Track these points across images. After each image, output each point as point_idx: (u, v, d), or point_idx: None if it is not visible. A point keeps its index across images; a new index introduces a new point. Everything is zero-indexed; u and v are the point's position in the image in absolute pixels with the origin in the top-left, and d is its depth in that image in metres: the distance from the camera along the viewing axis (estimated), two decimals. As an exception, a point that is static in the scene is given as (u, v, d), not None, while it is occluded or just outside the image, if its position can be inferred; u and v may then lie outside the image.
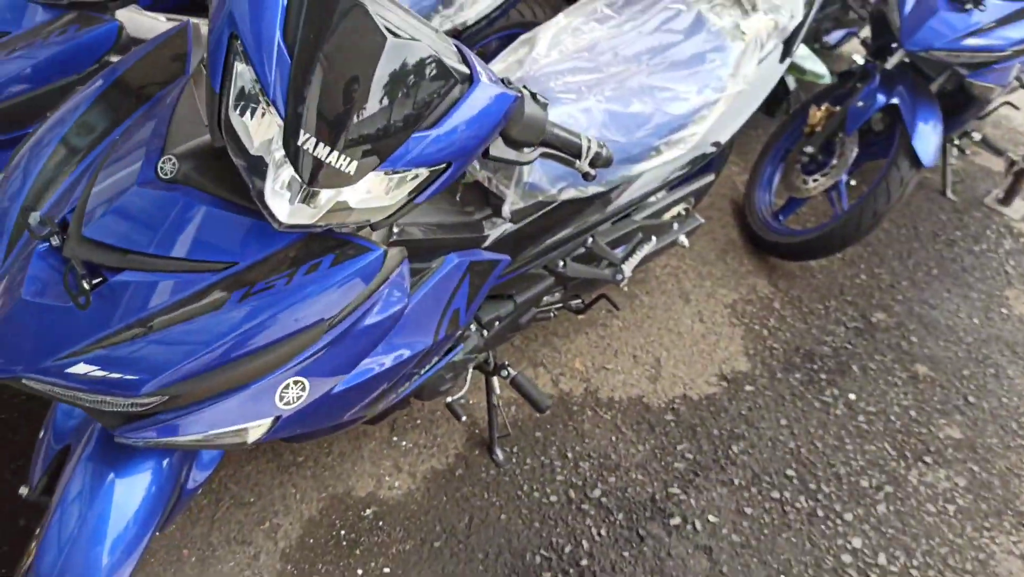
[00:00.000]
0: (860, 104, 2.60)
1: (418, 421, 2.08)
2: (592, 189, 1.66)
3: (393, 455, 2.00)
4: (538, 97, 1.16)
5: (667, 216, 2.22)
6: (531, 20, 2.45)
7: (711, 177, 2.28)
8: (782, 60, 1.92)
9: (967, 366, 2.60)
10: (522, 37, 1.80)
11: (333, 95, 0.86)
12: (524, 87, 1.16)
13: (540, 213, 1.62)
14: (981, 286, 2.95)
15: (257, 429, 1.13)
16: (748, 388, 2.39)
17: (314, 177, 0.88)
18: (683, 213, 2.30)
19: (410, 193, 1.01)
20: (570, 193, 1.60)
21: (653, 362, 2.41)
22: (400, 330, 1.33)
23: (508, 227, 1.58)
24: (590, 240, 1.87)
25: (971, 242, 3.17)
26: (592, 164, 1.28)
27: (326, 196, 0.91)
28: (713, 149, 1.94)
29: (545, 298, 1.97)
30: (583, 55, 1.67)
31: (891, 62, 2.54)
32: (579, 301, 2.21)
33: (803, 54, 2.02)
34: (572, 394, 2.26)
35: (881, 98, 2.57)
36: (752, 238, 2.90)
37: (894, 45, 2.54)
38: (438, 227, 1.41)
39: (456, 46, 1.05)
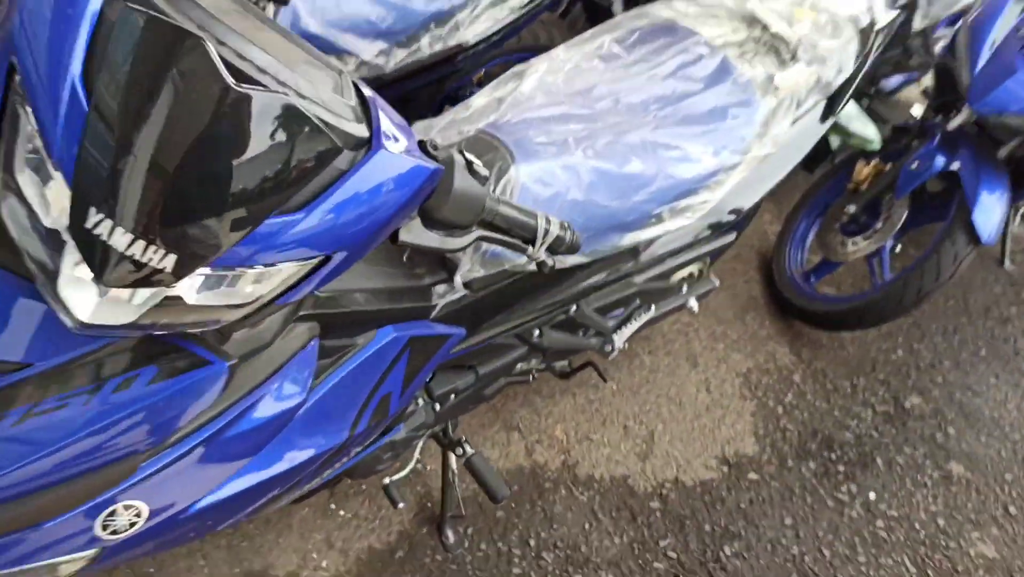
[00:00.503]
0: (915, 166, 2.28)
1: (363, 486, 1.84)
2: (572, 260, 1.39)
3: (327, 527, 1.76)
4: (476, 167, 0.90)
5: (676, 277, 1.95)
6: (546, 44, 2.17)
7: (732, 237, 1.99)
8: (823, 120, 1.63)
9: (1010, 468, 2.28)
10: (515, 69, 1.54)
11: (144, 161, 0.61)
12: (461, 151, 0.91)
13: (506, 282, 1.37)
14: (1035, 374, 2.62)
15: (73, 563, 0.91)
16: (752, 476, 2.10)
17: (107, 271, 0.64)
18: (695, 275, 2.02)
19: (272, 291, 0.77)
20: (543, 263, 1.34)
21: (646, 436, 2.14)
22: (299, 427, 1.09)
23: (464, 293, 1.32)
24: (574, 309, 1.61)
25: (1027, 321, 2.83)
26: (552, 251, 1.02)
27: (148, 290, 0.68)
28: (732, 217, 1.66)
29: (520, 364, 1.72)
30: (577, 100, 1.40)
31: (954, 122, 2.22)
32: (564, 363, 1.95)
33: (850, 112, 1.72)
34: (547, 468, 2.00)
35: (940, 161, 2.25)
36: (777, 298, 2.60)
37: (960, 104, 2.21)
38: (374, 294, 1.16)
39: (361, 96, 0.80)
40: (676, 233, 1.53)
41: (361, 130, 0.74)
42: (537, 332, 1.59)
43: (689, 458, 2.11)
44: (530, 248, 1.00)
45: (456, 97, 2.27)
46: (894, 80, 2.95)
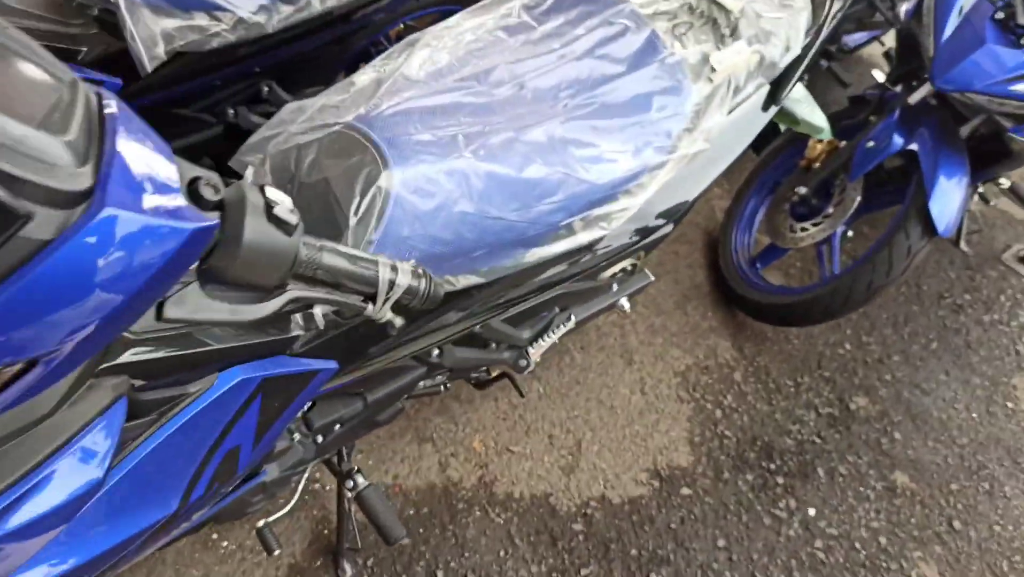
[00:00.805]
0: (871, 144, 2.08)
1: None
2: (467, 280, 1.17)
3: (206, 560, 1.55)
4: (279, 211, 0.66)
5: (605, 274, 1.73)
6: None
7: (668, 228, 1.78)
8: (766, 108, 1.41)
9: (957, 477, 2.15)
10: (409, 38, 1.28)
11: None
12: (261, 189, 0.67)
13: (387, 306, 1.13)
14: (986, 368, 2.48)
15: None
16: (685, 491, 1.94)
17: None
18: (628, 269, 1.81)
19: None
20: (429, 286, 1.11)
21: (572, 446, 1.95)
22: (105, 506, 0.86)
23: (332, 320, 1.09)
24: (478, 327, 1.39)
25: (981, 309, 2.68)
26: (401, 307, 0.80)
27: None
28: (660, 222, 1.44)
29: (423, 382, 1.50)
30: (472, 84, 1.15)
31: (915, 96, 2.02)
32: (482, 370, 1.73)
33: (798, 96, 1.51)
34: (461, 485, 1.81)
35: (898, 140, 2.06)
36: (721, 285, 2.41)
37: (923, 74, 2.01)
38: (212, 328, 0.92)
39: (93, 117, 0.56)
40: (592, 245, 1.31)
41: (78, 178, 0.50)
42: (437, 352, 1.37)
43: (618, 472, 1.93)
44: (369, 306, 0.77)
45: (369, 55, 1.98)
46: (856, 37, 2.74)
